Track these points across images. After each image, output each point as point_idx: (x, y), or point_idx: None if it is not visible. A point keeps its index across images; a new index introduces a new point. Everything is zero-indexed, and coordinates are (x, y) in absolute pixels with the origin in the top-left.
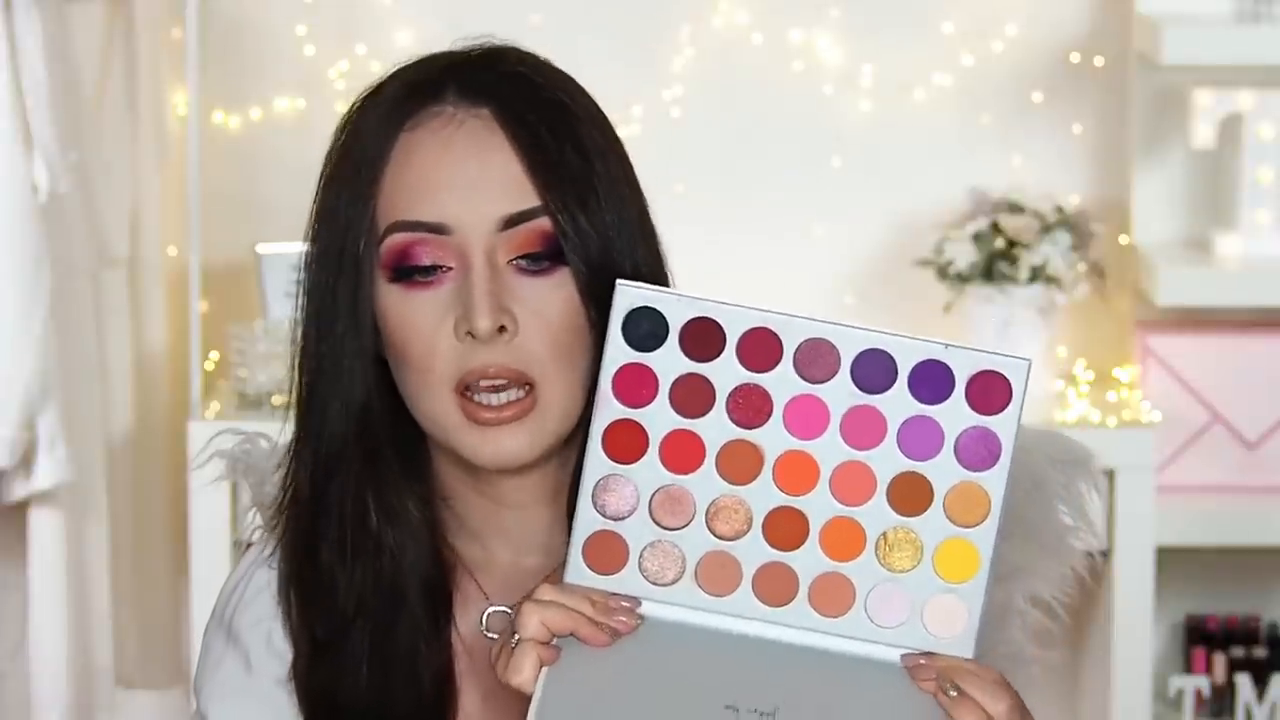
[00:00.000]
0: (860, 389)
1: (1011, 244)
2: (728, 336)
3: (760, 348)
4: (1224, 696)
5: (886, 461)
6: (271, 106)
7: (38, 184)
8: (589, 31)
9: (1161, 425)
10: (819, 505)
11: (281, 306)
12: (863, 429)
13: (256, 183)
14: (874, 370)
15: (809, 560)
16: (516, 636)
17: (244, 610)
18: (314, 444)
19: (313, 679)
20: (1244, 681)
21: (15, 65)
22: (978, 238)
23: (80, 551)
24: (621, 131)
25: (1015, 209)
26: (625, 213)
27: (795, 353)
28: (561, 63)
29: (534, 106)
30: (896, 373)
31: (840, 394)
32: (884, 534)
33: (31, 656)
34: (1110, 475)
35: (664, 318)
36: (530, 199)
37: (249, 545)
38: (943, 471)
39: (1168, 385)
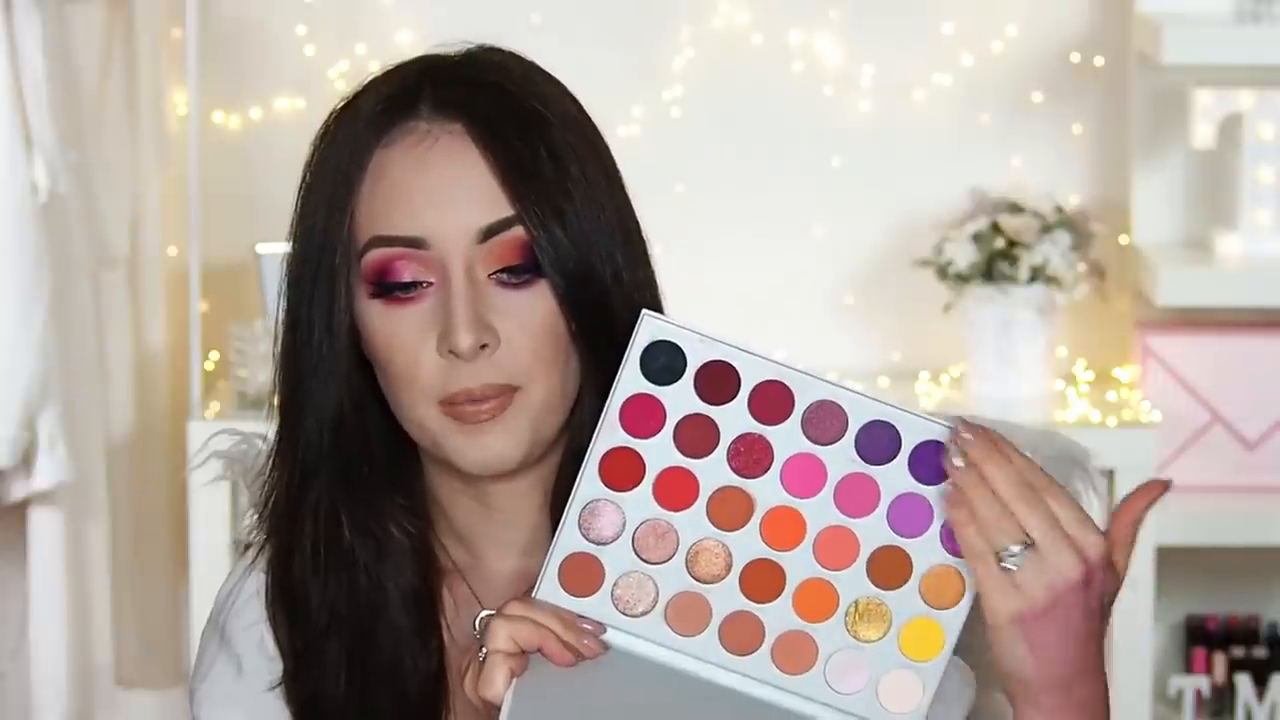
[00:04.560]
0: (861, 458)
1: (1011, 244)
2: (742, 384)
3: (772, 400)
4: (1224, 696)
5: (873, 532)
6: (271, 106)
7: (38, 184)
8: (589, 31)
9: (1161, 425)
10: (799, 563)
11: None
12: (856, 497)
13: (256, 183)
14: (878, 442)
15: (779, 615)
16: (484, 650)
17: (237, 615)
18: (291, 453)
19: (297, 686)
20: (1244, 681)
21: (15, 65)
22: (978, 238)
23: (80, 551)
24: (621, 131)
25: (1015, 209)
26: (604, 217)
27: (805, 411)
28: (561, 63)
29: (507, 117)
30: (899, 448)
31: (841, 459)
32: (856, 602)
33: (31, 656)
34: (1110, 475)
35: (683, 355)
36: (505, 209)
37: (247, 546)
38: (925, 551)
39: (1168, 385)
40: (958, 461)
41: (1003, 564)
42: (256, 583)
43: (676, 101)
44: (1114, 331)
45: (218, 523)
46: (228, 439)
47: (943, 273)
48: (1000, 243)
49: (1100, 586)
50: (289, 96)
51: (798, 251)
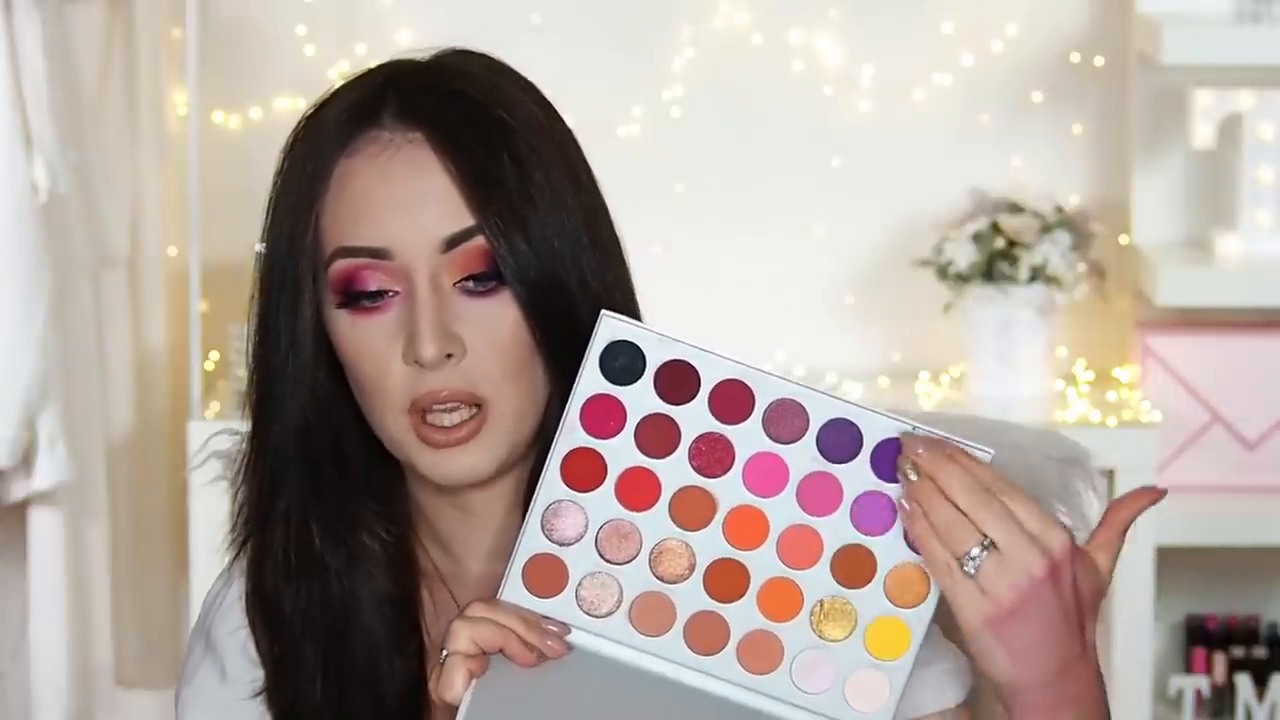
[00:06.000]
0: (823, 456)
1: (1011, 244)
2: (702, 384)
3: (732, 400)
4: (1224, 696)
5: (836, 531)
6: (271, 106)
7: (38, 184)
8: (589, 31)
9: (1161, 425)
10: (763, 563)
11: None
12: (819, 496)
13: (256, 183)
14: (840, 440)
15: (743, 615)
16: (445, 652)
17: (221, 620)
18: (261, 460)
19: (277, 692)
20: (1244, 681)
21: (15, 65)
22: (978, 238)
23: (80, 551)
24: (621, 131)
25: (1015, 209)
26: (569, 223)
27: (766, 410)
28: (561, 63)
29: (469, 126)
30: (861, 446)
31: (803, 458)
32: (821, 601)
33: (31, 656)
34: (1110, 475)
35: (642, 355)
36: (467, 218)
37: (235, 557)
38: (889, 550)
39: (1168, 385)
40: (911, 475)
41: (965, 569)
42: (240, 588)
43: (676, 101)
44: (1114, 331)
45: (218, 523)
46: (228, 439)
47: (943, 273)
48: (1000, 243)
49: (1072, 581)
50: (289, 96)
51: (798, 251)
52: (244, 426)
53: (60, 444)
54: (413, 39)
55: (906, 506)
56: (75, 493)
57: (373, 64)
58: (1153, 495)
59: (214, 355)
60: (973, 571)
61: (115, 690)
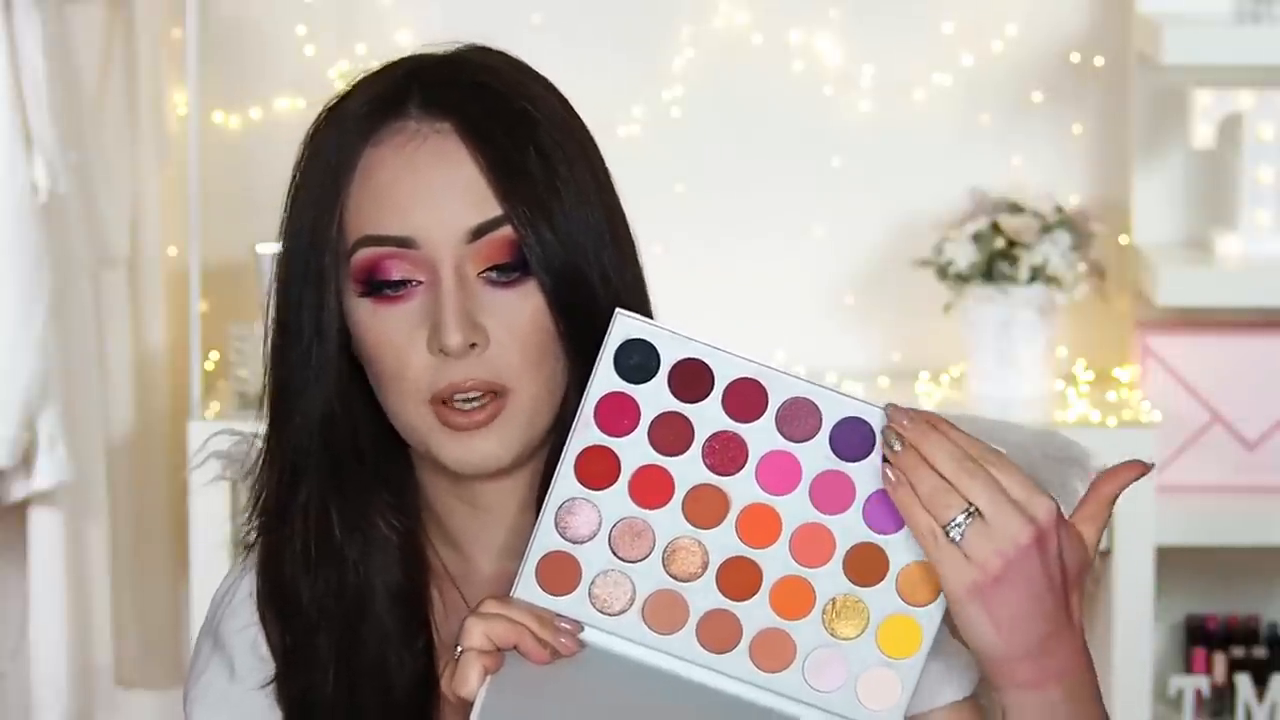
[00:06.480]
0: (836, 454)
1: (1011, 244)
2: (716, 382)
3: (746, 398)
4: (1224, 696)
5: (848, 530)
6: (271, 106)
7: (38, 184)
8: (589, 31)
9: (1161, 425)
10: (775, 561)
11: None
12: (831, 494)
13: (256, 183)
14: (853, 438)
15: (756, 613)
16: (460, 649)
17: (230, 616)
18: (280, 452)
19: (286, 685)
20: (1244, 681)
21: (15, 65)
22: (978, 238)
23: (80, 551)
24: (621, 131)
25: (1015, 209)
26: (592, 217)
27: (779, 409)
28: (561, 63)
29: (496, 117)
30: (874, 444)
31: (816, 456)
32: (833, 599)
33: (31, 656)
34: None
35: (657, 353)
36: (494, 209)
37: (248, 548)
38: (901, 549)
39: (1168, 385)
40: (895, 445)
41: (949, 535)
42: (250, 585)
43: (676, 101)
44: (1114, 331)
45: (218, 523)
46: (227, 439)
47: (943, 273)
48: (1000, 243)
49: (1058, 550)
50: (289, 96)
51: (798, 251)
52: (253, 424)
53: (60, 444)
54: (413, 39)
55: (891, 477)
56: (75, 493)
57: (374, 64)
58: (1139, 469)
59: (214, 355)
60: (958, 538)
61: (115, 690)
